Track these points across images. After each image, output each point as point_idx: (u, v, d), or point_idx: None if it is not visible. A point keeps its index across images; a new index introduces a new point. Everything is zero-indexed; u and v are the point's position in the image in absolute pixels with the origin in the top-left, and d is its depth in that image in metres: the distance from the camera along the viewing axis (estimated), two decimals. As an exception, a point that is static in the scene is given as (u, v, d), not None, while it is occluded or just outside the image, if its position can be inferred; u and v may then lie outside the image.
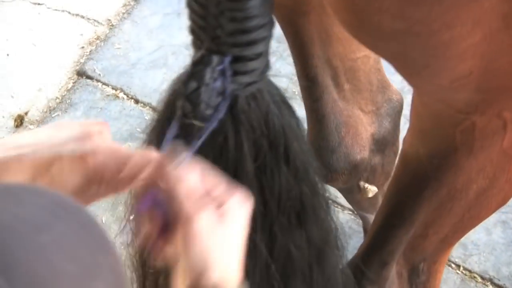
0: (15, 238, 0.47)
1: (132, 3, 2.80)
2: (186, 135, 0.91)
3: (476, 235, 2.03)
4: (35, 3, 2.83)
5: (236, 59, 0.90)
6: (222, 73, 0.89)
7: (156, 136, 0.99)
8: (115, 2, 2.81)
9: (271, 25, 0.90)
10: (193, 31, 0.92)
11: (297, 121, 1.00)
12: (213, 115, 0.91)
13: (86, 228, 0.52)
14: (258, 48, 0.90)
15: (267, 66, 0.94)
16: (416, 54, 0.86)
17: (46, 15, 2.79)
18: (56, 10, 2.80)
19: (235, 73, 0.90)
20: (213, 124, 0.91)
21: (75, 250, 0.49)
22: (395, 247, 1.19)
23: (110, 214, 2.07)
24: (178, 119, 0.92)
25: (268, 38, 0.90)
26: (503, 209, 2.08)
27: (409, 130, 1.12)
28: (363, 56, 1.34)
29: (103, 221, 2.07)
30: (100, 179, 0.76)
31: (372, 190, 1.57)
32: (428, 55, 0.85)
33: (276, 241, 0.99)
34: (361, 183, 1.55)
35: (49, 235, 0.48)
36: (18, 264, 0.46)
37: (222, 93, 0.91)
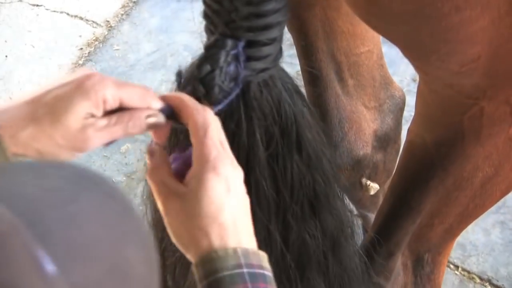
0: (46, 209, 0.48)
1: (130, 4, 2.80)
2: None
3: (474, 236, 2.03)
4: (33, 4, 2.83)
5: (250, 44, 0.90)
6: (236, 57, 0.90)
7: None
8: (113, 3, 2.81)
9: (286, 10, 0.90)
10: (206, 15, 0.92)
11: (309, 110, 1.00)
12: (225, 100, 0.91)
13: (111, 196, 0.52)
14: (273, 33, 0.90)
15: (280, 52, 0.94)
16: (425, 38, 0.86)
17: (44, 16, 2.80)
18: (54, 11, 2.80)
19: (249, 59, 0.90)
20: (223, 107, 0.91)
21: (103, 217, 0.50)
22: (401, 237, 1.19)
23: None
24: None
25: (282, 23, 0.90)
26: (501, 210, 2.10)
27: (414, 120, 1.12)
28: (367, 51, 1.35)
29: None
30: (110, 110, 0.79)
31: (374, 187, 1.57)
32: (437, 39, 0.86)
33: (290, 230, 0.99)
34: (363, 180, 1.55)
35: (78, 205, 0.49)
36: (53, 233, 0.46)
37: (235, 78, 0.91)
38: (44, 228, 0.46)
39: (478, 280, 1.97)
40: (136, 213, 0.54)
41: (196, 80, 0.90)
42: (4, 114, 0.78)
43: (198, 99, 0.90)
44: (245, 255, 0.77)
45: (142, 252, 0.52)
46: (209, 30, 0.93)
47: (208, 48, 0.91)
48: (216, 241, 0.77)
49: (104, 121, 0.78)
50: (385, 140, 1.49)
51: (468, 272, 1.99)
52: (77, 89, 0.77)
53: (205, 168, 0.78)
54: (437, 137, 1.06)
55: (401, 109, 1.49)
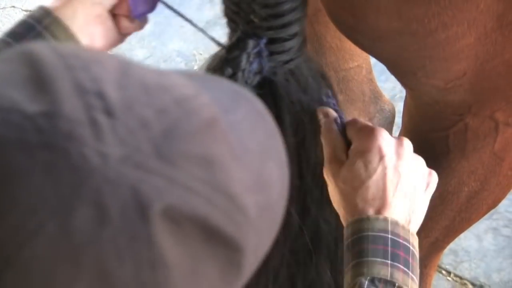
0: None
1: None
2: None
3: (467, 242, 2.03)
4: (26, 10, 2.82)
5: (272, 41, 0.91)
6: (258, 54, 0.91)
7: None
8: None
9: (303, 6, 0.91)
10: (227, 14, 0.93)
11: (334, 94, 1.02)
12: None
13: (261, 115, 0.55)
14: (293, 29, 0.91)
15: (303, 43, 0.95)
16: (412, 55, 0.87)
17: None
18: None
19: (272, 53, 0.92)
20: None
21: (255, 131, 0.53)
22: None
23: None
24: None
25: (302, 18, 0.92)
26: (494, 216, 2.10)
27: (401, 132, 1.12)
28: (356, 66, 1.35)
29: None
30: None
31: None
32: (423, 56, 0.86)
33: (309, 214, 1.01)
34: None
35: (235, 116, 0.51)
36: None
37: (259, 72, 0.92)
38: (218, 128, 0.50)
39: (470, 286, 1.97)
40: (278, 133, 0.57)
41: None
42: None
43: None
44: (394, 225, 0.83)
45: (280, 170, 0.55)
46: (230, 26, 0.94)
47: (230, 49, 0.92)
48: (371, 209, 0.84)
49: None
50: None
51: (461, 278, 1.99)
52: None
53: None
54: (423, 151, 1.05)
55: (391, 122, 1.49)
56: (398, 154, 0.88)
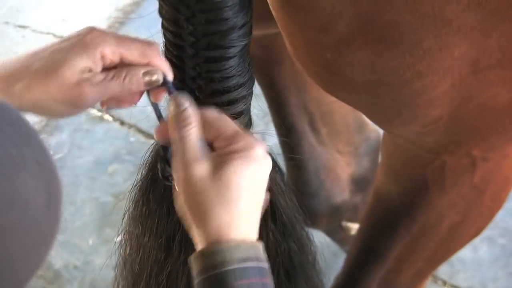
0: None
1: (116, 25, 2.80)
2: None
3: (462, 251, 2.02)
4: (19, 26, 2.83)
5: None
6: None
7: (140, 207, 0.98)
8: (99, 24, 2.80)
9: (250, 83, 0.88)
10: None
11: (281, 175, 0.98)
12: None
13: (13, 125, 0.52)
14: (239, 107, 0.88)
15: (249, 122, 0.92)
16: (388, 104, 0.86)
17: (30, 38, 2.79)
18: (41, 32, 2.80)
19: None
20: None
21: None
22: (369, 282, 1.19)
23: (96, 236, 2.07)
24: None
25: (248, 96, 0.89)
26: (489, 225, 2.09)
27: (380, 167, 1.12)
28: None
29: (90, 244, 2.07)
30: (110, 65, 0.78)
31: (354, 228, 1.57)
32: (400, 104, 0.86)
33: (284, 233, 0.97)
34: (343, 223, 1.55)
35: None
36: None
37: None
38: None
39: (466, 296, 1.97)
40: (40, 143, 0.53)
41: (163, 161, 0.90)
42: (0, 68, 0.77)
43: (167, 179, 0.90)
44: (254, 247, 0.74)
45: (38, 180, 0.51)
46: None
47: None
48: (225, 229, 0.73)
49: (101, 76, 0.77)
50: (363, 182, 1.49)
51: (456, 287, 1.99)
52: (76, 43, 0.77)
53: (239, 150, 0.75)
54: (402, 187, 1.06)
55: (377, 150, 1.48)
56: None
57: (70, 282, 1.98)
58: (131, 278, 1.02)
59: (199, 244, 0.74)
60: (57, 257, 2.02)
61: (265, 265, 0.74)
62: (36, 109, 0.77)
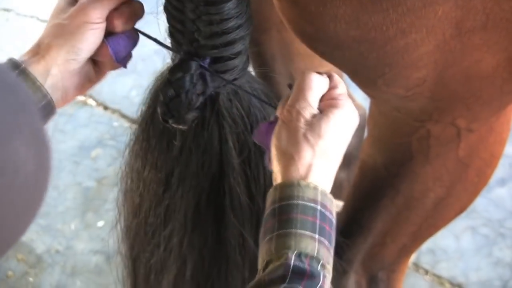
0: None
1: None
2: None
3: (444, 241, 2.03)
4: (3, 9, 2.81)
5: (216, 60, 0.91)
6: (202, 76, 0.91)
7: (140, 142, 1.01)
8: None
9: (248, 24, 0.91)
10: (171, 34, 0.93)
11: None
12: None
13: (11, 91, 0.51)
14: (237, 48, 0.91)
15: (247, 61, 0.95)
16: (371, 63, 0.86)
17: (14, 21, 2.77)
18: (25, 16, 2.78)
19: (215, 72, 0.91)
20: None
21: None
22: (353, 255, 1.19)
23: (79, 221, 2.06)
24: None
25: (246, 37, 0.92)
26: (471, 215, 2.10)
27: (366, 139, 1.12)
28: (326, 71, 1.34)
29: (73, 228, 2.05)
30: None
31: (338, 205, 1.57)
32: (383, 63, 0.85)
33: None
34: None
35: None
36: None
37: (203, 93, 0.92)
38: None
39: (448, 285, 1.97)
40: (34, 110, 0.53)
41: (163, 105, 0.92)
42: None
43: (166, 122, 0.93)
44: (324, 196, 0.81)
45: (31, 148, 0.51)
46: (174, 48, 0.94)
47: (173, 71, 0.91)
48: (302, 172, 0.80)
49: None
50: (348, 159, 1.47)
51: (439, 277, 1.99)
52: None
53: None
54: (387, 157, 1.06)
55: (363, 127, 1.48)
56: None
57: (52, 266, 1.96)
58: (131, 210, 1.07)
59: (277, 178, 0.82)
60: (39, 241, 2.00)
61: (330, 215, 0.81)
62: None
